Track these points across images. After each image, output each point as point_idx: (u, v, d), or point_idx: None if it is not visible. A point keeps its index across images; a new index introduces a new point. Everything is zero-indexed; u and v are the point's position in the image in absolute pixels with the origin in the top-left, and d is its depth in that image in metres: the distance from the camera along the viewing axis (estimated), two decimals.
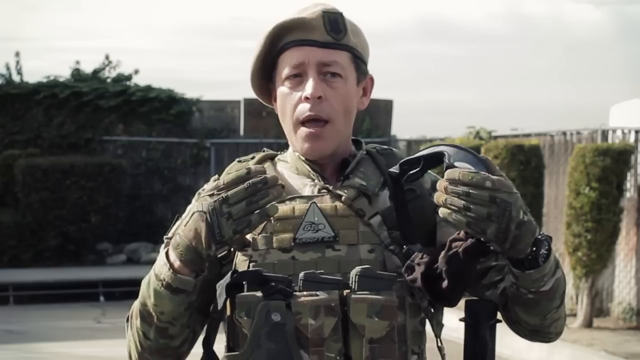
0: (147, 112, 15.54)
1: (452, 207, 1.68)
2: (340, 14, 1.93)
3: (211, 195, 1.75)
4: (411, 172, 1.80)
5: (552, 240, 1.80)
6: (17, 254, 13.92)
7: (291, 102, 1.91)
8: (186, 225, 1.77)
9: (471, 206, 1.66)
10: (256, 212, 1.71)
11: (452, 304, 1.82)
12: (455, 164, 1.73)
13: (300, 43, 1.90)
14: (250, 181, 1.72)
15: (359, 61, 1.95)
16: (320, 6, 1.92)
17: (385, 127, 16.05)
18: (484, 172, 1.70)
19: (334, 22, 1.91)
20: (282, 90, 1.93)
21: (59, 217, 14.03)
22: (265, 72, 1.97)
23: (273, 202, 1.73)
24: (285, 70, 1.91)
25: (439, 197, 1.70)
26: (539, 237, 1.75)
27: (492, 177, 1.68)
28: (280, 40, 1.91)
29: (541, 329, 1.90)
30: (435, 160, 1.77)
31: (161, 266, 1.78)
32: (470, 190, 1.67)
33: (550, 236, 1.80)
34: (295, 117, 1.90)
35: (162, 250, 1.86)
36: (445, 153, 1.75)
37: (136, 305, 1.85)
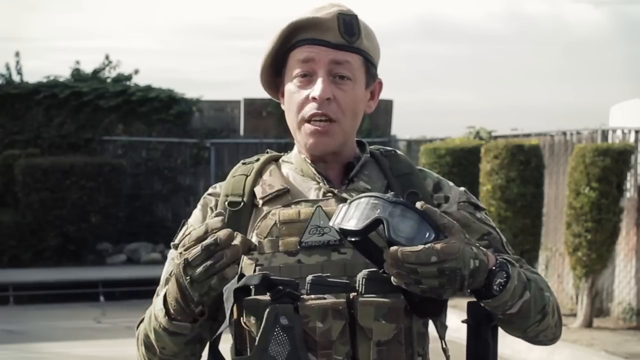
0: (147, 112, 15.54)
1: (404, 280, 1.68)
2: (355, 17, 1.92)
3: (181, 254, 1.73)
4: (351, 239, 1.75)
5: (513, 265, 1.79)
6: (17, 254, 13.91)
7: (298, 100, 1.91)
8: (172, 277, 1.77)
9: (422, 280, 1.67)
10: (215, 276, 1.69)
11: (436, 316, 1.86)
12: (395, 229, 1.67)
13: (313, 42, 1.90)
14: (202, 244, 1.69)
15: (370, 65, 1.95)
16: (336, 7, 1.92)
17: (385, 127, 16.05)
18: (427, 244, 1.66)
19: (348, 24, 1.90)
20: (290, 87, 1.93)
21: (59, 217, 14.03)
22: (275, 68, 1.97)
23: (230, 265, 1.69)
24: (295, 68, 1.91)
25: (389, 268, 1.69)
26: (494, 268, 1.75)
27: (437, 249, 1.66)
28: (293, 37, 1.91)
29: (528, 339, 1.93)
30: (376, 226, 1.70)
31: (158, 310, 1.80)
32: (417, 268, 1.66)
33: (510, 261, 1.79)
34: (301, 115, 1.90)
35: (161, 291, 1.87)
36: (383, 221, 1.68)
37: (141, 332, 1.88)
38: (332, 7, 1.92)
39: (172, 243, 1.95)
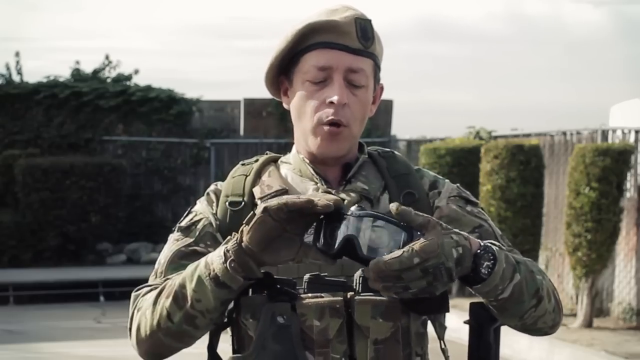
0: (147, 112, 15.55)
1: (393, 291, 1.67)
2: (370, 21, 1.92)
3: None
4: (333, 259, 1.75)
5: (500, 248, 1.77)
6: (17, 254, 13.92)
7: (313, 104, 1.90)
8: None
9: (409, 285, 1.66)
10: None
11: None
12: (368, 244, 1.66)
13: (331, 46, 1.89)
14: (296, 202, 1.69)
15: (377, 69, 1.96)
16: (351, 11, 1.91)
17: (385, 127, 16.06)
18: (405, 248, 1.64)
19: (364, 29, 1.90)
20: (303, 90, 1.92)
21: (59, 217, 14.04)
22: (280, 67, 1.96)
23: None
24: (310, 71, 1.90)
25: (374, 284, 1.67)
26: (479, 251, 1.73)
27: (417, 250, 1.64)
28: (308, 38, 1.90)
29: (527, 327, 1.88)
30: (349, 244, 1.68)
31: (216, 257, 1.75)
32: (402, 274, 1.65)
33: (494, 244, 1.77)
34: (316, 118, 1.90)
35: (160, 268, 1.88)
36: (355, 240, 1.67)
37: (172, 284, 1.80)
38: (347, 11, 1.91)
39: (178, 225, 1.95)
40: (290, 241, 1.71)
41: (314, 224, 1.72)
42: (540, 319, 1.86)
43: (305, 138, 1.94)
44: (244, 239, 1.71)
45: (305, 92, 1.91)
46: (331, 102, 1.88)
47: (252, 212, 1.72)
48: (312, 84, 1.90)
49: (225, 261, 1.72)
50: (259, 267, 1.73)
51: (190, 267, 1.79)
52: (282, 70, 1.96)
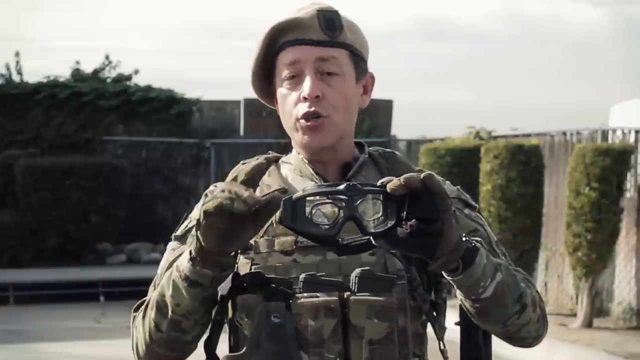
0: (147, 112, 15.55)
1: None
2: (336, 12, 1.92)
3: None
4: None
5: (482, 246, 1.74)
6: (17, 254, 13.91)
7: (290, 102, 1.91)
8: None
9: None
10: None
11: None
12: (366, 220, 1.64)
13: (296, 42, 1.89)
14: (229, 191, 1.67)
15: (358, 58, 1.94)
16: (315, 5, 1.92)
17: (385, 127, 16.06)
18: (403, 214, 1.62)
19: (329, 20, 1.90)
20: (281, 91, 1.93)
21: (59, 217, 14.04)
22: (265, 74, 1.97)
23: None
24: (283, 71, 1.91)
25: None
26: (463, 238, 1.70)
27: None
28: (277, 41, 1.91)
29: (510, 335, 1.85)
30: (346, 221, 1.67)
31: (183, 257, 1.76)
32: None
33: (477, 240, 1.75)
34: (294, 114, 1.90)
35: (158, 280, 1.88)
36: (355, 220, 1.64)
37: (154, 295, 1.83)
38: (312, 6, 1.92)
39: (173, 234, 1.96)
40: (243, 219, 1.67)
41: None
42: (524, 327, 1.83)
43: (293, 136, 1.94)
44: (203, 244, 1.70)
45: (284, 91, 1.92)
46: (304, 98, 1.88)
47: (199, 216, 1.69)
48: (287, 82, 1.91)
49: (193, 263, 1.73)
50: (229, 257, 1.73)
51: (167, 274, 1.81)
52: (270, 80, 1.97)
